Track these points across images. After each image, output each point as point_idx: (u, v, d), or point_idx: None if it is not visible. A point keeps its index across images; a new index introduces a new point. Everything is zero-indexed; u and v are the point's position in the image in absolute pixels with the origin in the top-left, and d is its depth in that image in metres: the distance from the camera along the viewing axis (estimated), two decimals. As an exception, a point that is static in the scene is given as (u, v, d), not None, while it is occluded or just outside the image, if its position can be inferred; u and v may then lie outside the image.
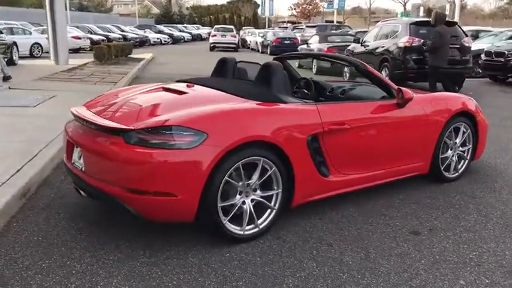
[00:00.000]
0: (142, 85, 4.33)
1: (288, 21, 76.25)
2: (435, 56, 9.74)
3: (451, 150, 4.62)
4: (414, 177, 4.44)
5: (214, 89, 3.75)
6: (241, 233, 3.26)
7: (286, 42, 27.26)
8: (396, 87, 4.16)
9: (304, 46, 18.59)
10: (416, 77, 10.64)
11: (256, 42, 32.89)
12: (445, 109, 4.46)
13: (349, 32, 21.94)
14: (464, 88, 11.01)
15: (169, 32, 44.74)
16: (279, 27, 51.47)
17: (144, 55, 21.96)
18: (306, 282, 2.82)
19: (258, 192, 3.33)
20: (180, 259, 3.06)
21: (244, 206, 3.26)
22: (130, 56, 20.16)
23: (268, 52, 27.72)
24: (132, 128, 3.06)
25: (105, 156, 3.09)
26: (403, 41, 10.59)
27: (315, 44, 17.29)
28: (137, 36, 35.15)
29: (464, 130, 4.69)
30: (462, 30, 11.03)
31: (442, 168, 4.56)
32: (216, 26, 33.86)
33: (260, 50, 30.39)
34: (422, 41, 10.39)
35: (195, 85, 3.88)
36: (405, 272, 2.95)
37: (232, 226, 3.22)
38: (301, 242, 3.34)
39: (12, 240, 3.27)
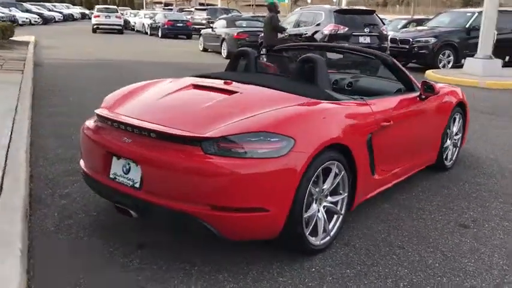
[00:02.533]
0: (155, 81, 3.77)
1: (165, 3, 74.21)
2: (264, 38, 10.90)
3: (449, 139, 4.79)
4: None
5: (257, 85, 3.39)
6: (318, 243, 3.02)
7: (178, 25, 26.44)
8: (413, 80, 4.17)
9: (209, 30, 18.13)
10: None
11: (143, 24, 31.44)
12: (450, 100, 4.60)
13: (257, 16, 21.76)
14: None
15: (38, 11, 40.71)
16: (163, 8, 49.77)
17: (25, 37, 19.67)
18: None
19: (329, 198, 3.11)
20: (270, 280, 2.74)
21: (319, 214, 3.02)
22: (12, 38, 17.90)
23: (160, 35, 26.70)
24: (212, 135, 2.63)
25: (181, 170, 2.61)
26: (328, 28, 10.81)
27: (221, 28, 16.94)
28: (3, 15, 31.39)
29: (459, 119, 4.90)
30: (380, 18, 11.60)
31: (444, 157, 4.72)
32: (98, 6, 31.57)
33: (149, 33, 29.12)
34: (346, 28, 10.72)
35: (233, 82, 3.47)
36: (493, 269, 2.97)
37: (310, 237, 2.97)
38: (373, 246, 3.20)
39: None
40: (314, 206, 2.96)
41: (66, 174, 4.31)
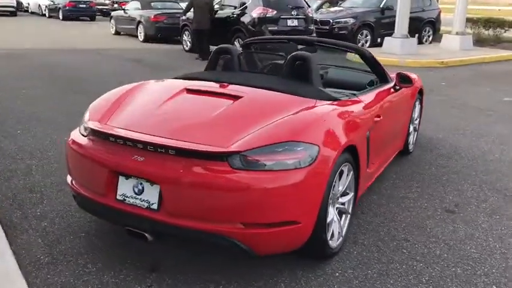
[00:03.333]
0: (138, 85, 3.45)
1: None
2: (195, 20, 10.93)
3: (412, 124, 5.00)
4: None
5: (256, 87, 3.24)
6: (334, 245, 3.00)
7: (81, 6, 24.82)
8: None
9: (121, 12, 17.19)
10: (273, 48, 10.96)
11: (39, 5, 29.05)
12: (414, 87, 4.77)
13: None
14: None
15: None
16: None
17: None
18: (438, 282, 2.79)
19: (340, 199, 3.09)
20: (302, 292, 2.69)
21: (334, 217, 3.00)
22: None
23: (61, 17, 24.90)
24: (238, 149, 2.48)
25: (208, 188, 2.44)
26: (257, 11, 10.72)
27: (135, 10, 16.13)
28: None
29: (419, 105, 5.11)
30: (305, 1, 11.71)
31: (408, 142, 4.92)
32: (-15, -14, 28.52)
33: (47, 15, 26.99)
34: (275, 11, 10.71)
35: (229, 84, 3.29)
36: (494, 254, 3.16)
37: (329, 241, 2.94)
38: (380, 242, 3.25)
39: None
40: (331, 209, 2.93)
41: (28, 190, 3.88)
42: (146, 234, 2.63)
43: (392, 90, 4.16)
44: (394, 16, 13.89)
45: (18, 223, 3.33)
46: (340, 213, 3.12)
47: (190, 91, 3.19)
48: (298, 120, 2.79)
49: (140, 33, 15.52)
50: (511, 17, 15.06)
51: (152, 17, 14.98)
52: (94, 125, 2.80)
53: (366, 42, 13.70)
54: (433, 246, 3.22)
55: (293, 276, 2.82)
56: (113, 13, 18.19)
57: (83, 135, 2.92)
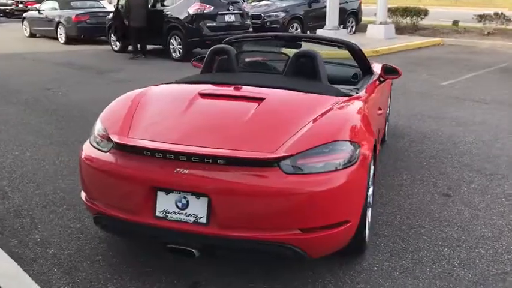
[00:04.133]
0: (142, 92, 3.22)
1: None
2: (132, 18, 10.69)
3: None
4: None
5: (271, 88, 3.17)
6: (367, 239, 3.04)
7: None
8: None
9: (34, 13, 16.02)
10: (214, 44, 10.80)
11: None
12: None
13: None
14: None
15: None
16: None
17: None
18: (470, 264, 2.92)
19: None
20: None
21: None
22: None
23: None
24: (289, 153, 2.40)
25: (264, 196, 2.36)
26: (194, 7, 10.50)
27: (53, 11, 15.09)
28: None
29: (390, 95, 5.29)
30: (240, -5, 11.66)
31: (384, 131, 5.09)
32: None
33: None
34: (212, 7, 10.55)
35: (243, 86, 3.18)
36: (503, 232, 3.35)
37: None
38: (399, 231, 3.33)
39: None
40: None
41: (13, 215, 3.51)
42: (193, 250, 2.49)
43: (377, 82, 4.27)
44: (321, 8, 14.35)
45: (21, 253, 3.01)
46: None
47: (205, 96, 3.05)
48: (336, 119, 2.77)
49: (60, 34, 14.59)
50: (428, 6, 16.08)
51: (73, 17, 14.13)
52: (121, 139, 2.58)
53: (297, 34, 13.95)
54: (448, 230, 3.35)
55: (336, 276, 2.80)
56: (25, 14, 16.90)
57: (102, 150, 2.68)
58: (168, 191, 2.47)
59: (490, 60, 11.09)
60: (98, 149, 2.71)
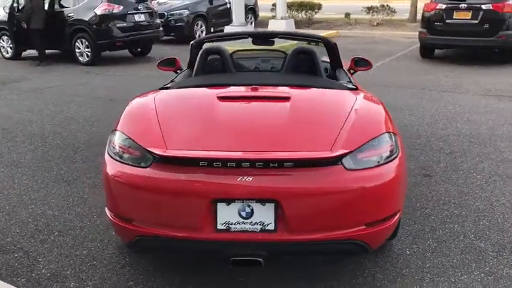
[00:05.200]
0: (146, 98, 2.96)
1: None
2: (32, 19, 9.98)
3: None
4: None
5: (285, 86, 3.13)
6: (393, 227, 3.15)
7: None
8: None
9: None
10: (124, 45, 10.34)
11: None
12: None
13: None
14: (157, 53, 11.43)
15: None
16: None
17: None
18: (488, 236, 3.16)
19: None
20: (396, 276, 2.76)
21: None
22: None
23: None
24: (348, 150, 2.40)
25: (333, 195, 2.34)
26: (101, 8, 9.89)
27: None
28: None
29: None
30: (147, -6, 11.20)
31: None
32: None
33: None
34: (121, 7, 10.03)
35: (259, 86, 3.08)
36: (495, 208, 3.68)
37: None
38: (408, 215, 3.49)
39: None
40: None
41: (2, 251, 3.07)
42: (260, 260, 2.38)
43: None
44: (222, 5, 14.37)
45: (38, 291, 2.64)
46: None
47: (226, 99, 2.91)
48: (373, 112, 2.83)
49: None
50: (321, 1, 16.85)
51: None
52: (167, 152, 2.36)
53: (202, 32, 13.80)
54: (450, 208, 3.60)
55: (378, 265, 2.88)
56: None
57: (139, 166, 2.43)
58: (229, 201, 2.33)
59: (389, 49, 11.97)
60: (132, 165, 2.46)
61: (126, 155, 2.52)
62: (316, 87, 3.14)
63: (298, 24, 16.19)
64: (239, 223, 2.35)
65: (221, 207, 2.34)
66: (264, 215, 2.34)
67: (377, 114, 2.79)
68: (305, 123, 2.65)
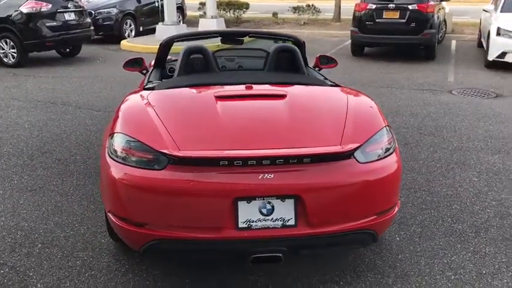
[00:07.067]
0: (140, 101, 2.86)
1: None
2: None
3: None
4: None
5: (276, 84, 3.17)
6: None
7: None
8: None
9: None
10: (56, 45, 9.79)
11: None
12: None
13: None
14: (89, 53, 10.95)
15: None
16: None
17: None
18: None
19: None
20: (410, 262, 2.93)
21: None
22: None
23: None
24: (358, 144, 2.50)
25: (349, 188, 2.44)
26: (28, 6, 9.28)
27: None
28: None
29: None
30: (75, -8, 10.65)
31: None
32: None
33: None
34: (50, 5, 9.48)
35: (252, 84, 3.08)
36: (482, 187, 3.99)
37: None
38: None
39: None
40: None
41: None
42: (280, 255, 2.42)
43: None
44: (150, 4, 14.04)
45: (42, 308, 2.48)
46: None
47: (224, 98, 2.89)
48: (368, 107, 2.93)
49: None
50: (249, 0, 17.00)
51: None
52: (184, 153, 2.31)
53: (131, 31, 13.41)
54: (422, 195, 3.84)
55: (374, 252, 3.04)
56: None
57: (151, 168, 2.37)
58: (250, 199, 2.34)
59: (320, 48, 12.29)
60: (143, 168, 2.39)
61: (133, 158, 2.44)
62: (301, 84, 3.22)
63: (227, 23, 16.21)
64: (260, 220, 2.36)
65: (242, 206, 2.35)
66: (284, 211, 2.38)
67: (373, 109, 2.92)
68: (308, 119, 2.71)
